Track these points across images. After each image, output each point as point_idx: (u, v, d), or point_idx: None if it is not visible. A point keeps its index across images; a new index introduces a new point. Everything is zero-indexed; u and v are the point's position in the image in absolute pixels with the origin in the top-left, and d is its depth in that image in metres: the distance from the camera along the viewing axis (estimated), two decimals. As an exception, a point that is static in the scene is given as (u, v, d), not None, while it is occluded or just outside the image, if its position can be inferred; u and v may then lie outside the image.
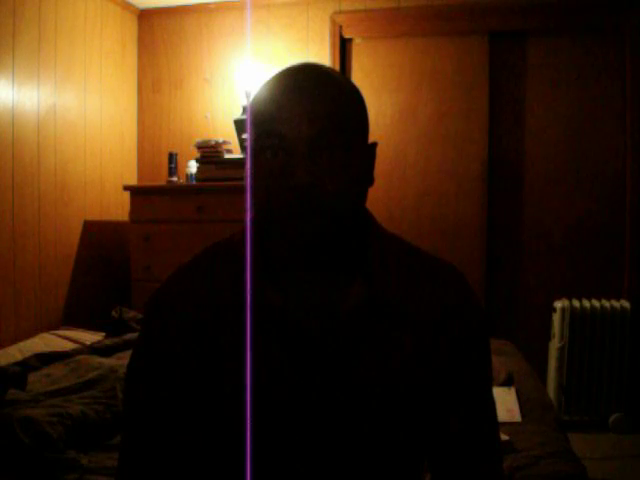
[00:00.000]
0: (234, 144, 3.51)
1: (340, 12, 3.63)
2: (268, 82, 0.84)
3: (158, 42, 3.92)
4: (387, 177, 3.53)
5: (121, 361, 2.25)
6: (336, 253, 0.84)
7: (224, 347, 0.84)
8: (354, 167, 0.81)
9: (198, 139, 3.49)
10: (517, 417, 1.94)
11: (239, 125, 3.44)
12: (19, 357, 2.43)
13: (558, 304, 3.24)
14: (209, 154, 3.39)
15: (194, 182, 3.45)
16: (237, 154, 3.49)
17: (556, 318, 3.23)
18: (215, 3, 3.79)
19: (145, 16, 3.93)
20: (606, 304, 3.20)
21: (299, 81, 0.81)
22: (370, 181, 0.87)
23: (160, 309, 0.89)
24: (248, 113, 0.85)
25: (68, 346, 2.66)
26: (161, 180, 3.74)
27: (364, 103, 0.87)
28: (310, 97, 0.79)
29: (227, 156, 3.41)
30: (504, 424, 1.72)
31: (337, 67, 3.55)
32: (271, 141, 0.80)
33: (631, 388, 3.19)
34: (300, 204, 0.78)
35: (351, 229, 0.84)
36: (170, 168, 3.54)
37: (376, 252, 0.87)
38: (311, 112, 0.78)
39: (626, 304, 3.20)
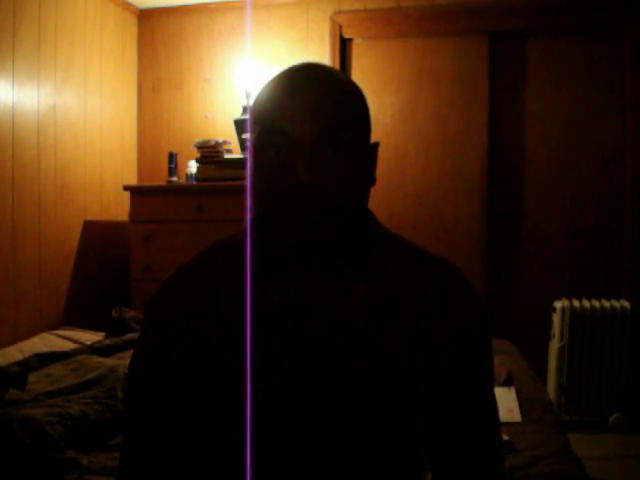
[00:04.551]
0: (234, 144, 3.51)
1: (340, 12, 3.63)
2: (271, 81, 0.84)
3: (158, 42, 3.92)
4: (387, 177, 3.53)
5: (121, 361, 2.25)
6: (338, 252, 0.84)
7: (225, 347, 0.84)
8: (357, 166, 0.81)
9: (198, 139, 3.49)
10: (517, 417, 1.94)
11: (239, 125, 3.44)
12: (19, 357, 2.43)
13: (558, 304, 3.24)
14: (209, 154, 3.39)
15: (194, 182, 3.45)
16: (237, 154, 3.48)
17: (556, 318, 3.23)
18: (215, 3, 3.79)
19: (145, 16, 3.92)
20: (606, 304, 3.20)
21: (302, 80, 0.81)
22: (372, 181, 0.87)
23: (161, 309, 0.89)
24: (250, 112, 0.85)
25: (68, 346, 2.66)
26: (161, 180, 3.74)
27: (366, 102, 0.87)
28: (313, 95, 0.79)
29: (227, 156, 3.41)
30: (504, 424, 1.71)
31: (337, 67, 3.55)
32: (274, 139, 0.80)
33: (631, 388, 3.19)
34: (303, 202, 0.78)
35: (353, 228, 0.84)
36: (170, 168, 3.54)
37: (378, 251, 0.87)
38: (314, 110, 0.78)
39: (626, 304, 3.20)
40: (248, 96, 3.48)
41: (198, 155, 3.42)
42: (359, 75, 3.62)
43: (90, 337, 2.85)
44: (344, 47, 3.69)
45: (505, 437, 1.65)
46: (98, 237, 3.57)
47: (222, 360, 0.84)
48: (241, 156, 3.40)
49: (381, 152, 0.90)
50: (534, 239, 3.54)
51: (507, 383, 2.18)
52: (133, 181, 3.89)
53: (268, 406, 0.83)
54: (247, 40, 3.74)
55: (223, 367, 0.84)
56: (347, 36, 3.66)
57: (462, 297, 0.89)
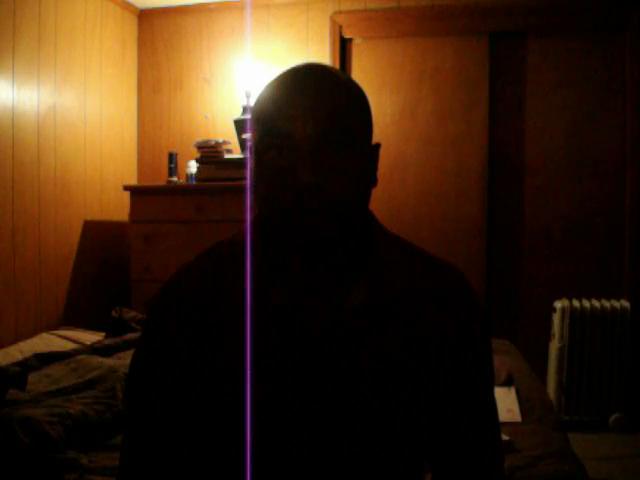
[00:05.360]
0: (234, 144, 3.51)
1: (340, 12, 3.63)
2: (272, 82, 0.84)
3: (158, 42, 3.92)
4: (387, 177, 3.53)
5: (121, 361, 2.25)
6: (339, 253, 0.84)
7: (227, 347, 0.84)
8: (358, 167, 0.81)
9: (198, 139, 3.49)
10: (517, 417, 1.94)
11: (239, 125, 3.43)
12: (19, 357, 2.43)
13: (558, 304, 3.24)
14: (209, 154, 3.39)
15: (194, 182, 3.45)
16: (237, 154, 3.48)
17: (556, 318, 3.23)
18: (215, 3, 3.79)
19: (145, 16, 3.93)
20: (606, 304, 3.20)
21: (304, 80, 0.81)
22: (373, 182, 0.87)
23: (162, 309, 0.89)
24: (252, 112, 0.85)
25: (68, 346, 2.66)
26: (161, 180, 3.74)
27: (368, 103, 0.87)
28: (315, 96, 0.79)
29: (227, 156, 3.40)
30: (504, 424, 1.71)
31: (337, 67, 3.55)
32: (276, 140, 0.80)
33: (631, 388, 3.20)
34: (304, 203, 0.78)
35: (355, 229, 0.84)
36: (170, 168, 3.54)
37: (379, 252, 0.87)
38: (316, 111, 0.78)
39: (626, 304, 3.20)
40: (248, 96, 3.48)
41: (198, 155, 3.42)
42: (359, 75, 3.62)
43: (90, 337, 2.85)
44: (344, 47, 3.69)
45: (505, 437, 1.65)
46: (98, 237, 3.57)
47: (223, 360, 0.84)
48: (241, 156, 3.40)
49: (381, 152, 0.90)
50: (534, 239, 3.54)
51: (507, 383, 2.18)
52: (133, 181, 3.89)
53: (269, 406, 0.83)
54: (247, 40, 3.74)
55: (224, 368, 0.84)
56: (347, 36, 3.66)
57: (462, 298, 0.89)
